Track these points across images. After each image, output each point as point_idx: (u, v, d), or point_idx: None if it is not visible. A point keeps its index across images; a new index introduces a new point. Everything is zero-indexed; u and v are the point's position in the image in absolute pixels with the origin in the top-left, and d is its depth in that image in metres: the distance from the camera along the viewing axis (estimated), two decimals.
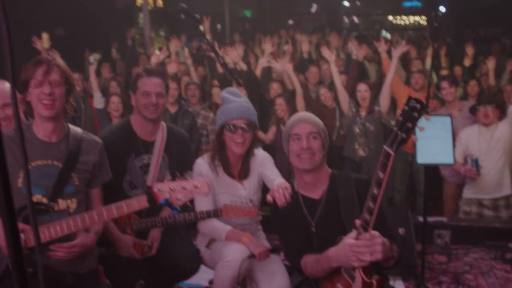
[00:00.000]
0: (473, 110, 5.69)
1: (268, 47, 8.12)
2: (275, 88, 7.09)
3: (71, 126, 3.20)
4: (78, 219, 2.90)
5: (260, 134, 6.66)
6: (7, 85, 3.52)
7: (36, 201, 2.95)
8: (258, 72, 7.22)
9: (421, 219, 4.66)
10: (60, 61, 3.05)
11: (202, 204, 3.59)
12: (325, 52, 6.99)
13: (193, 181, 2.91)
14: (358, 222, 2.59)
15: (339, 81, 6.64)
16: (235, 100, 3.70)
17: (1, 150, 1.12)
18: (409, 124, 2.20)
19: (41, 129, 3.03)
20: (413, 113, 2.19)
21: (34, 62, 2.97)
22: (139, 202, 2.91)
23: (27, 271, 1.28)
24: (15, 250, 1.24)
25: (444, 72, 8.42)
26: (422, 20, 22.04)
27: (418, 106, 2.19)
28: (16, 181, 2.96)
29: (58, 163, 3.04)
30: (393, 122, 6.04)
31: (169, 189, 2.87)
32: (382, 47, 6.96)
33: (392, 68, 6.34)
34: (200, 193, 2.91)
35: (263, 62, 7.40)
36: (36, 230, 1.40)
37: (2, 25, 1.18)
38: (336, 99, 6.75)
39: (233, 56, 7.17)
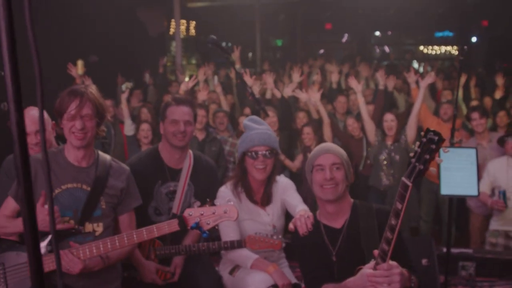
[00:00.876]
0: (501, 142, 5.66)
1: (296, 76, 8.21)
2: (301, 117, 7.17)
3: (101, 153, 3.32)
4: (109, 242, 2.99)
5: (287, 162, 6.73)
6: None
7: (64, 224, 3.05)
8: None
9: (445, 250, 4.62)
10: (93, 92, 3.16)
11: (227, 230, 3.63)
12: (353, 82, 7.04)
13: (222, 207, 2.99)
14: (376, 252, 2.61)
15: (365, 111, 6.68)
16: (257, 128, 3.77)
17: (28, 173, 1.20)
18: (427, 156, 2.23)
19: (72, 154, 3.15)
20: (431, 145, 2.21)
21: (68, 94, 3.10)
22: (169, 225, 2.99)
23: None
24: (36, 271, 1.30)
25: (474, 103, 8.37)
26: (453, 50, 21.94)
27: (436, 138, 2.21)
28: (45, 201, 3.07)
29: (87, 187, 3.15)
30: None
31: (199, 214, 2.96)
32: (411, 78, 6.99)
33: (419, 98, 6.36)
34: (229, 218, 2.99)
35: (287, 91, 7.49)
36: (58, 253, 1.46)
37: (34, 57, 1.26)
38: (363, 129, 6.78)
39: (269, 82, 7.31)
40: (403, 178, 2.32)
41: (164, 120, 3.83)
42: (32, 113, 3.70)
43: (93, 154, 3.26)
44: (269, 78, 8.09)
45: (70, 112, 3.05)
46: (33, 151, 3.60)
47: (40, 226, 2.97)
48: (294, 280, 3.67)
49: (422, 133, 2.25)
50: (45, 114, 3.73)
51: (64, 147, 3.24)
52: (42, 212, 2.97)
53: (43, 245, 3.06)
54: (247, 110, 7.59)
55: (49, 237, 3.04)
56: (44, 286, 1.35)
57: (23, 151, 1.19)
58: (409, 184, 2.29)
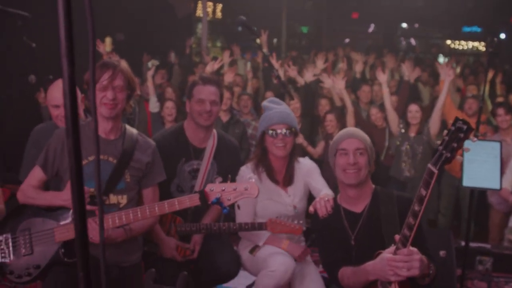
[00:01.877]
0: None
1: (320, 63, 8.19)
2: (323, 104, 7.16)
3: (128, 126, 3.36)
4: (130, 212, 3.04)
5: (309, 148, 6.74)
6: None
7: (90, 194, 3.11)
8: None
9: (463, 243, 4.62)
10: (124, 66, 3.20)
11: (246, 207, 3.67)
12: (379, 73, 7.02)
13: (243, 183, 3.02)
14: (397, 237, 2.63)
15: (389, 102, 6.66)
16: (276, 107, 3.79)
17: (77, 140, 1.23)
18: (454, 144, 2.23)
19: (100, 127, 3.19)
20: (459, 133, 2.22)
21: (101, 66, 3.14)
22: (191, 200, 3.03)
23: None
24: (82, 239, 1.33)
25: (500, 99, 8.29)
26: (480, 46, 21.64)
27: (464, 127, 2.21)
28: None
29: (113, 159, 3.20)
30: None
31: (221, 190, 2.99)
32: (443, 69, 6.74)
33: (443, 92, 6.32)
34: (250, 195, 3.02)
35: (309, 76, 7.48)
36: (102, 222, 1.50)
37: (89, 29, 1.29)
38: (386, 119, 6.76)
39: (292, 70, 7.31)
40: (429, 165, 2.33)
41: (191, 98, 3.86)
42: (61, 85, 3.74)
43: (120, 127, 3.31)
44: (292, 68, 8.09)
45: (102, 82, 3.08)
46: (62, 123, 3.66)
47: (69, 204, 3.06)
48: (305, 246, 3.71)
49: (451, 122, 2.26)
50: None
51: (90, 120, 3.29)
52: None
53: (69, 214, 3.13)
54: (269, 94, 7.61)
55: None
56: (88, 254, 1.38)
57: (74, 111, 1.21)
58: (435, 171, 2.30)
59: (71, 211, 3.14)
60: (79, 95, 3.79)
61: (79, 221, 1.33)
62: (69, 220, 3.13)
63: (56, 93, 3.76)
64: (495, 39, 4.77)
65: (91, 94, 1.47)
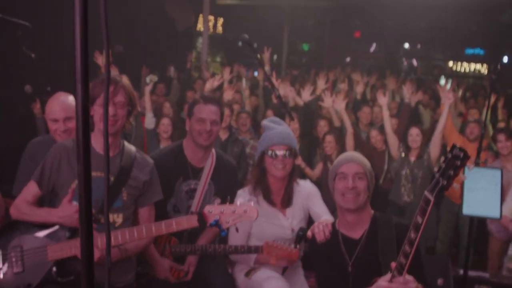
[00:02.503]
0: None
1: (321, 83, 8.17)
2: (322, 125, 7.12)
3: (126, 143, 3.33)
4: (126, 232, 2.99)
5: (307, 170, 6.69)
6: (70, 99, 3.70)
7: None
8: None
9: (462, 272, 4.56)
10: (126, 82, 3.18)
11: (243, 229, 3.61)
12: (380, 96, 7.00)
13: (243, 206, 2.98)
14: (393, 264, 2.58)
15: (389, 125, 6.62)
16: (276, 127, 3.75)
17: (88, 162, 1.20)
18: (451, 172, 2.21)
19: (99, 143, 3.16)
20: (456, 161, 2.20)
21: (102, 81, 3.11)
22: (189, 221, 2.98)
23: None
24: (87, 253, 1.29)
25: (501, 125, 8.26)
26: (483, 68, 21.71)
27: (461, 154, 2.19)
28: (67, 192, 3.08)
29: (110, 176, 3.16)
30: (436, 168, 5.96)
31: (219, 212, 2.95)
32: (444, 93, 6.70)
33: (443, 115, 6.28)
34: (249, 218, 2.97)
35: (306, 95, 7.46)
36: (109, 238, 1.46)
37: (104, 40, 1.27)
38: (386, 142, 6.73)
39: (290, 91, 7.30)
40: (426, 192, 2.30)
41: (191, 117, 3.83)
42: (62, 99, 3.72)
43: (119, 144, 3.27)
44: (290, 89, 8.07)
45: (103, 98, 3.06)
46: (60, 138, 3.62)
47: (64, 221, 3.01)
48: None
49: (448, 149, 2.23)
50: (74, 101, 3.74)
51: (91, 135, 3.25)
52: (68, 209, 3.00)
53: (63, 231, 3.08)
54: (269, 113, 7.58)
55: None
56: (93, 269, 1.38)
57: (86, 135, 1.19)
58: (431, 198, 2.27)
59: (65, 229, 3.10)
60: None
61: (86, 241, 1.29)
62: (63, 238, 3.08)
63: (55, 106, 3.72)
64: (499, 66, 4.75)
65: (104, 113, 1.44)
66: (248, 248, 3.54)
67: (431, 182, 2.30)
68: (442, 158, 2.27)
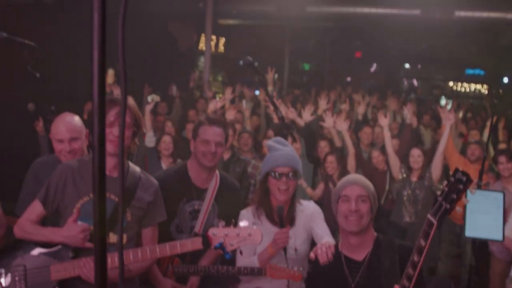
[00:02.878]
0: None
1: (323, 103, 8.21)
2: (322, 146, 7.14)
3: (131, 164, 3.34)
4: (131, 253, 3.00)
5: (309, 190, 6.70)
6: (76, 119, 3.72)
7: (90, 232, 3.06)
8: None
9: None
10: (132, 103, 3.21)
11: (248, 252, 3.61)
12: (381, 118, 7.02)
13: (247, 229, 2.98)
14: (397, 287, 2.59)
15: (390, 146, 6.65)
16: (281, 149, 3.77)
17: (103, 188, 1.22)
18: (454, 196, 2.24)
19: (106, 163, 3.16)
20: (459, 185, 2.22)
21: (108, 102, 3.11)
22: (193, 243, 2.99)
23: None
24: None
25: (502, 146, 8.27)
26: (483, 89, 21.79)
27: (464, 178, 2.22)
28: (72, 212, 3.09)
29: (114, 197, 3.17)
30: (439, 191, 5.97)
31: (224, 235, 2.96)
32: (444, 114, 6.72)
33: (444, 136, 6.30)
34: (253, 241, 2.98)
35: (306, 116, 7.48)
36: (121, 257, 1.48)
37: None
38: (387, 162, 6.75)
39: (291, 112, 7.33)
40: (429, 216, 2.32)
41: (196, 138, 3.85)
42: (67, 120, 3.75)
43: (124, 164, 3.28)
44: (291, 110, 8.09)
45: (109, 118, 3.07)
46: (65, 159, 3.63)
47: (69, 241, 3.02)
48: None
49: (451, 173, 2.26)
50: (80, 122, 3.78)
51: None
52: (73, 228, 3.01)
53: (67, 251, 3.09)
54: (270, 133, 7.61)
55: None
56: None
57: (102, 165, 1.21)
58: (434, 222, 2.30)
59: (69, 249, 3.10)
60: (84, 130, 3.78)
61: (100, 264, 1.33)
62: (66, 258, 3.08)
63: (60, 127, 3.74)
64: (500, 90, 4.79)
65: (119, 136, 1.46)
66: (251, 270, 3.54)
67: (433, 203, 2.33)
68: (445, 182, 2.29)
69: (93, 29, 1.20)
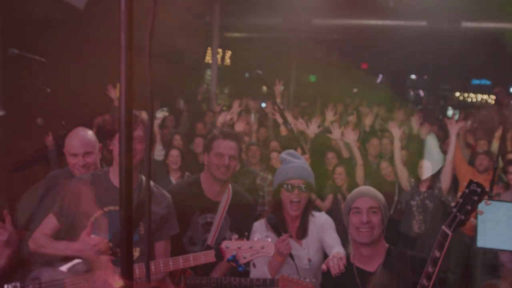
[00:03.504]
0: None
1: (330, 115, 8.23)
2: (330, 157, 7.16)
3: (144, 178, 3.38)
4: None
5: (318, 202, 6.71)
6: (89, 134, 3.77)
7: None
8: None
9: None
10: (145, 117, 3.25)
11: (261, 265, 3.62)
12: (393, 128, 7.02)
13: (260, 242, 3.01)
14: None
15: (399, 157, 6.66)
16: (294, 161, 3.81)
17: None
18: (469, 207, 2.26)
19: (117, 177, 3.21)
20: (473, 196, 2.25)
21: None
22: (206, 256, 3.01)
23: None
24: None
25: (511, 156, 8.25)
26: (490, 99, 21.78)
27: (478, 190, 2.24)
28: (86, 225, 3.13)
29: None
30: (453, 203, 5.96)
31: (237, 247, 2.98)
32: (451, 126, 6.70)
33: (451, 145, 6.30)
34: (266, 253, 3.00)
35: (313, 127, 7.48)
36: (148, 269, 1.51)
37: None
38: (396, 173, 6.76)
39: (300, 123, 7.35)
40: (443, 227, 2.34)
41: (210, 152, 3.89)
42: (81, 134, 3.79)
43: (137, 178, 3.32)
44: (301, 121, 8.10)
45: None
46: (79, 173, 3.67)
47: (83, 254, 3.06)
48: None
49: (460, 183, 2.29)
50: (94, 137, 3.82)
51: (110, 169, 3.31)
52: (87, 242, 3.04)
53: (81, 265, 3.11)
54: (274, 144, 7.64)
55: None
56: None
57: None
58: (449, 233, 2.32)
59: (82, 262, 3.13)
60: (97, 144, 3.83)
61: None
62: (80, 271, 3.11)
63: (74, 141, 3.78)
64: (511, 101, 4.81)
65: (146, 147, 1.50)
66: (263, 282, 3.55)
67: (442, 213, 2.36)
68: (459, 194, 2.31)
69: (120, 49, 1.26)
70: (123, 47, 1.28)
